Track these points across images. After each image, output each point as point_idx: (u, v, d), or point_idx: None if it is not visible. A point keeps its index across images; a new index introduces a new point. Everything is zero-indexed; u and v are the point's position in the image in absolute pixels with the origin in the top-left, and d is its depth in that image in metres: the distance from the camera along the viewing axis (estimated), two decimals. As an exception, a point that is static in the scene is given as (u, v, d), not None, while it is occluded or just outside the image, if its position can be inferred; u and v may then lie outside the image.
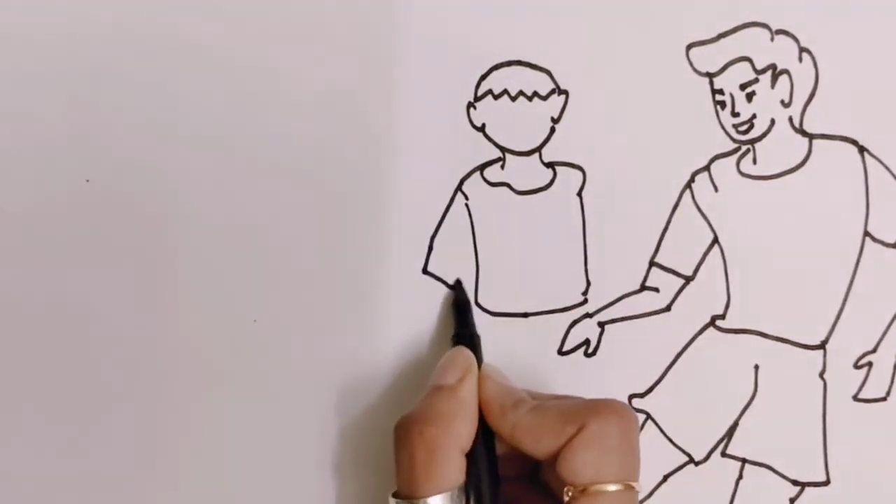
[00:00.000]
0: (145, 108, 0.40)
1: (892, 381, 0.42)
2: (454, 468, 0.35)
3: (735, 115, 0.41)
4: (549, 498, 0.37)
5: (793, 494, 0.42)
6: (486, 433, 0.37)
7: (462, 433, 0.36)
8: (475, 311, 0.41)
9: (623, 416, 0.35)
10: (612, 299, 0.42)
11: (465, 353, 0.38)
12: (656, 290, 0.42)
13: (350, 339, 0.41)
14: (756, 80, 0.41)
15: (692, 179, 0.41)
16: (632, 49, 0.41)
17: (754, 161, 0.41)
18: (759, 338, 0.42)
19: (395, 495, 0.36)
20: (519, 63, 0.41)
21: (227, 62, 0.40)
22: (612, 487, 0.34)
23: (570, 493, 0.34)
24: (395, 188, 0.41)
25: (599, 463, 0.34)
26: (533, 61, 0.41)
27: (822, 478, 0.42)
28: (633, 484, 0.34)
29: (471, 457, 0.36)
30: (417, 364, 0.41)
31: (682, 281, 0.42)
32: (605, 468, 0.34)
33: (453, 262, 0.41)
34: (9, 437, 0.40)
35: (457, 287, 0.41)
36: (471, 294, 0.41)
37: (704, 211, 0.41)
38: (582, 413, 0.35)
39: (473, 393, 0.37)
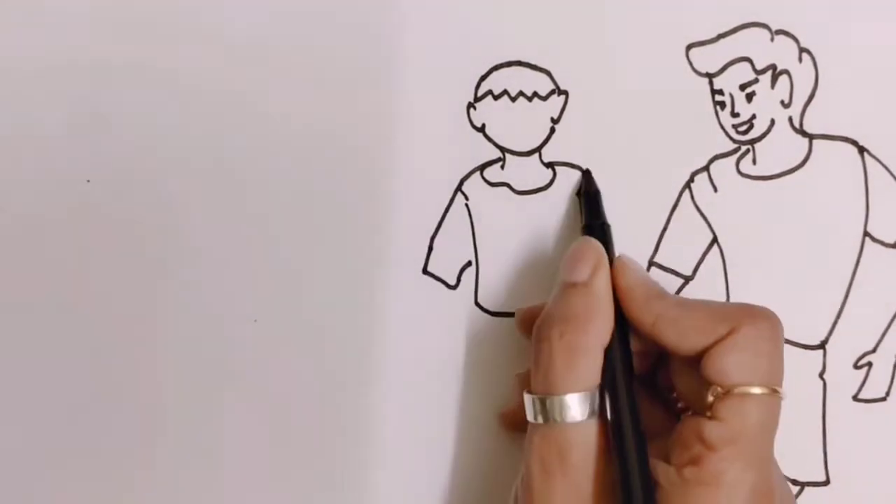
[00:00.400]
0: (145, 109, 0.40)
1: (891, 382, 0.42)
2: (593, 366, 0.35)
3: (735, 115, 0.41)
4: (664, 403, 0.37)
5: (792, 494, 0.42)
6: (621, 327, 0.36)
7: (601, 331, 0.35)
8: (474, 311, 0.41)
9: (775, 323, 0.35)
10: (611, 299, 0.42)
11: (594, 243, 0.37)
12: (656, 290, 0.42)
13: (350, 339, 0.41)
14: (756, 81, 0.41)
15: (692, 179, 0.41)
16: (632, 49, 0.41)
17: (754, 161, 0.41)
18: (758, 338, 0.42)
19: (528, 392, 0.35)
20: (519, 63, 0.41)
21: (228, 63, 0.40)
22: (758, 390, 0.33)
23: (715, 394, 0.33)
24: (395, 188, 0.41)
25: (751, 365, 0.34)
26: (533, 62, 0.41)
27: (822, 478, 0.42)
28: (779, 389, 0.34)
29: (607, 356, 0.35)
30: (417, 364, 0.41)
31: (681, 281, 0.42)
32: (756, 371, 0.34)
33: (453, 262, 0.41)
34: (9, 438, 0.40)
35: (586, 176, 0.40)
36: (470, 294, 0.41)
37: (704, 211, 0.41)
38: (735, 314, 0.34)
39: (608, 287, 0.36)
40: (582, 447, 0.34)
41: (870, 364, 0.42)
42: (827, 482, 0.42)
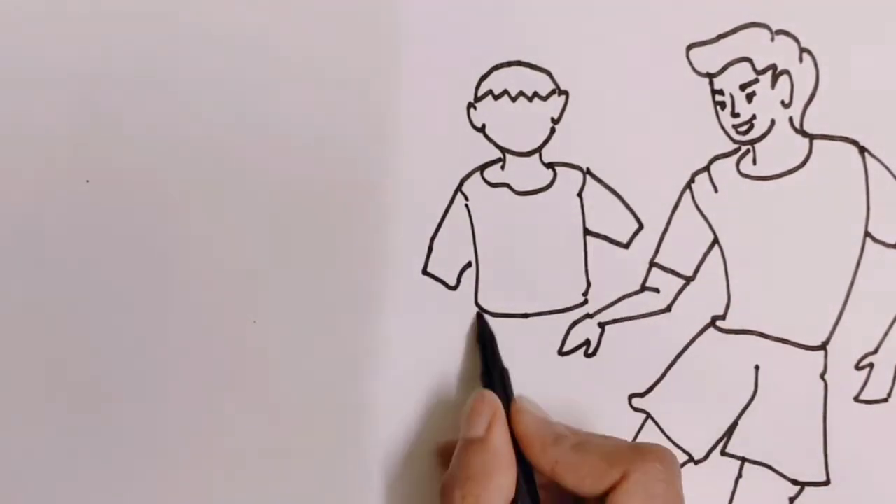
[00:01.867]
0: (145, 108, 0.40)
1: (893, 383, 0.42)
2: None
3: (735, 115, 0.41)
4: None
5: (792, 494, 0.42)
6: (525, 469, 0.37)
7: (503, 485, 0.36)
8: (474, 312, 0.41)
9: (666, 463, 0.35)
10: (612, 300, 0.42)
11: (489, 396, 0.38)
12: (657, 290, 0.42)
13: (350, 339, 0.41)
14: (756, 81, 0.41)
15: (692, 180, 0.41)
16: (632, 49, 0.41)
17: (754, 161, 0.41)
18: (759, 338, 0.42)
19: None
20: (519, 63, 0.41)
21: (228, 63, 0.40)
22: None
23: None
24: (395, 188, 0.41)
25: None
26: (533, 62, 0.41)
27: (822, 477, 0.42)
28: None
29: (515, 500, 0.36)
30: (417, 365, 0.41)
31: (682, 281, 0.42)
32: None
33: (453, 263, 0.41)
34: (9, 438, 0.40)
35: (480, 320, 0.41)
36: (471, 294, 0.41)
37: (704, 211, 0.41)
38: (626, 458, 0.35)
39: (506, 439, 0.37)
40: None
41: (871, 365, 0.42)
42: (827, 482, 0.42)
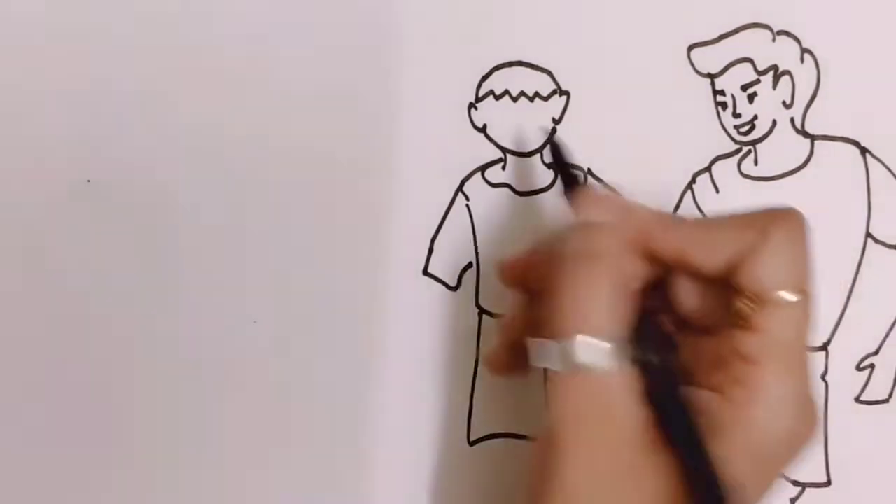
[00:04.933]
0: (145, 109, 0.40)
1: (894, 384, 0.42)
2: (621, 307, 0.32)
3: (736, 115, 0.41)
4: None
5: (793, 495, 0.42)
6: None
7: (627, 271, 0.33)
8: (475, 313, 0.41)
9: (802, 223, 0.33)
10: (613, 300, 0.41)
11: (601, 192, 0.36)
12: (657, 291, 0.42)
13: (350, 339, 0.41)
14: (757, 81, 0.41)
15: (693, 181, 0.41)
16: (633, 50, 0.41)
17: (756, 162, 0.41)
18: (760, 339, 0.42)
19: (549, 338, 0.32)
20: (520, 64, 0.41)
21: (228, 63, 0.40)
22: (794, 297, 0.32)
23: (751, 305, 0.32)
24: (395, 188, 0.41)
25: (786, 271, 0.32)
26: (534, 62, 0.40)
27: (823, 478, 0.42)
28: (810, 292, 0.33)
29: (637, 299, 0.33)
30: (418, 365, 0.41)
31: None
32: (791, 276, 0.32)
33: (454, 264, 0.41)
34: (9, 438, 0.40)
35: (551, 136, 0.40)
36: (471, 295, 0.41)
37: (706, 212, 0.41)
38: (764, 220, 0.33)
39: (627, 229, 0.34)
40: (615, 393, 0.32)
41: (872, 366, 0.42)
42: (828, 483, 0.42)
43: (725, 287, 0.33)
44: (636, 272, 0.34)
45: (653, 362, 0.32)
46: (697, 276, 0.34)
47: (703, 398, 0.32)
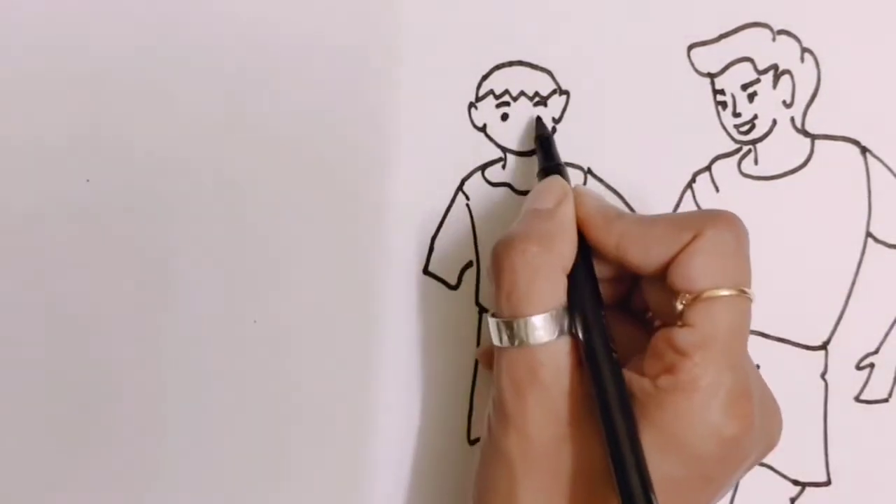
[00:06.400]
0: (145, 108, 0.40)
1: (894, 383, 0.42)
2: (557, 287, 0.34)
3: (736, 115, 0.41)
4: (639, 324, 0.37)
5: (793, 494, 0.42)
6: (585, 256, 0.36)
7: (564, 252, 0.35)
8: (475, 312, 0.41)
9: (738, 225, 0.34)
10: (613, 300, 0.42)
11: (559, 180, 0.37)
12: (657, 290, 0.42)
13: (350, 339, 0.41)
14: (758, 81, 0.41)
15: (693, 180, 0.41)
16: (633, 49, 0.41)
17: (756, 162, 0.41)
18: (760, 338, 0.42)
19: (493, 315, 0.35)
20: (520, 63, 0.40)
21: (228, 62, 0.40)
22: (726, 292, 0.33)
23: (684, 301, 0.33)
24: (395, 188, 0.41)
25: (716, 268, 0.33)
26: (534, 62, 0.40)
27: (823, 478, 0.42)
28: (747, 290, 0.34)
29: (571, 279, 0.35)
30: (417, 364, 0.41)
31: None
32: (722, 273, 0.33)
33: (454, 263, 0.41)
34: (9, 439, 0.40)
35: (538, 122, 0.40)
36: (471, 295, 0.41)
37: (706, 212, 0.41)
38: (697, 221, 0.34)
39: (571, 216, 0.36)
40: (552, 366, 0.34)
41: (872, 365, 0.42)
42: (828, 483, 0.42)
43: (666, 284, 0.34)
44: (572, 256, 0.35)
45: (587, 338, 0.34)
46: (637, 272, 0.35)
47: (634, 382, 0.34)
